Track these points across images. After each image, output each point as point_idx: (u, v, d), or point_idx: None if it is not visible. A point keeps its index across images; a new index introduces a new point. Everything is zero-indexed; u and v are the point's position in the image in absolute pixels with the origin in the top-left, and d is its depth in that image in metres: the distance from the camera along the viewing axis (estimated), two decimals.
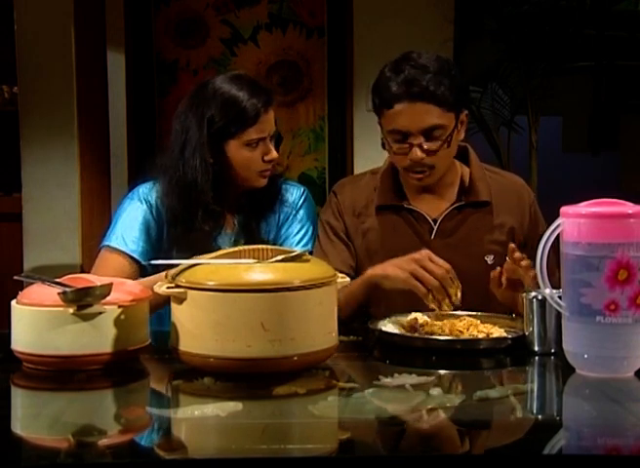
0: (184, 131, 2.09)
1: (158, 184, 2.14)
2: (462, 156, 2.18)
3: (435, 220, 2.11)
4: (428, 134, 2.00)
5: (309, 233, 2.20)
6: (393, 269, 1.93)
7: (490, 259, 2.09)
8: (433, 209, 2.12)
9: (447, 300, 1.86)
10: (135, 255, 2.08)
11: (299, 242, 2.18)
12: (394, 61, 2.03)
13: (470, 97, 4.23)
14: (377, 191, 2.16)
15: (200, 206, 2.07)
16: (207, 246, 2.05)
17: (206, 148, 2.06)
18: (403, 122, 1.99)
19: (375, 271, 1.98)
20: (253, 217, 2.16)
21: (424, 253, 1.90)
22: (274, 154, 2.10)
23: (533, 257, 2.05)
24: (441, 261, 1.88)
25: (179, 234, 2.09)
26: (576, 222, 1.51)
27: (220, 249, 2.07)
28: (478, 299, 1.99)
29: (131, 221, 2.11)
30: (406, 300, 1.95)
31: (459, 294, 1.87)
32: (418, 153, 2.00)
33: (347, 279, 1.66)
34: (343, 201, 2.18)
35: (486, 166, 2.22)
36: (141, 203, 2.13)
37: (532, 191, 2.25)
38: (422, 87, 1.97)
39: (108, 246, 2.10)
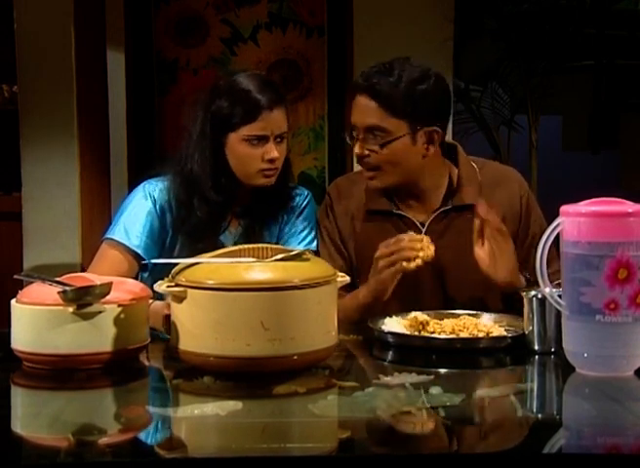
0: (193, 122, 2.11)
1: (164, 180, 2.15)
2: (452, 155, 2.16)
3: (423, 224, 2.10)
4: (369, 132, 2.01)
5: (312, 234, 2.20)
6: (372, 280, 1.96)
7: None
8: (421, 213, 2.12)
9: (420, 254, 1.88)
10: (136, 250, 2.08)
11: (301, 241, 2.18)
12: (381, 62, 2.05)
13: (470, 97, 4.24)
14: (366, 194, 2.15)
15: (196, 193, 2.08)
16: (208, 239, 2.07)
17: (207, 139, 2.07)
18: (352, 114, 2.05)
19: (365, 295, 1.99)
20: (257, 222, 2.16)
21: (380, 246, 1.93)
22: (274, 154, 2.06)
23: (524, 250, 2.08)
24: (393, 240, 1.91)
25: (179, 223, 2.11)
26: (576, 221, 1.51)
27: (223, 246, 2.08)
28: (471, 299, 2.00)
29: (135, 216, 2.11)
30: (401, 301, 1.96)
31: (430, 247, 1.88)
32: (356, 148, 2.04)
33: (347, 278, 1.66)
34: (337, 204, 2.19)
35: (476, 159, 2.19)
36: (147, 198, 2.13)
37: (525, 182, 2.21)
38: (371, 83, 1.99)
39: (111, 238, 2.10)
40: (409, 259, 1.88)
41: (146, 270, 2.12)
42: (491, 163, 2.25)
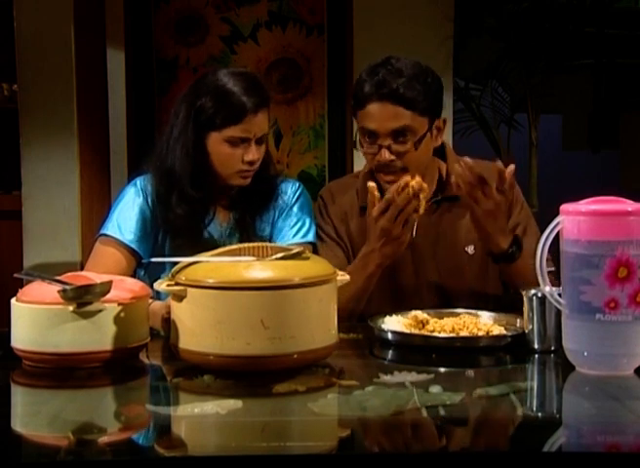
0: (175, 117, 2.10)
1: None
2: (440, 152, 2.21)
3: None
4: (397, 135, 2.02)
5: (306, 225, 2.20)
6: (388, 247, 1.95)
7: (470, 249, 2.13)
8: None
9: (421, 196, 1.89)
10: (131, 245, 2.08)
11: (295, 234, 2.18)
12: (372, 65, 2.06)
13: (470, 96, 4.24)
14: (358, 193, 2.19)
15: (175, 189, 2.08)
16: (189, 234, 2.07)
17: (189, 136, 2.06)
18: (372, 122, 2.02)
19: (378, 263, 1.98)
20: (248, 213, 2.16)
21: (372, 216, 1.93)
22: (254, 156, 2.07)
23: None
24: (389, 196, 1.90)
25: (162, 216, 2.10)
26: (576, 220, 1.51)
27: (211, 239, 2.09)
28: (462, 290, 2.03)
29: (128, 211, 2.11)
30: (397, 293, 1.97)
31: (418, 180, 1.89)
32: (385, 155, 2.03)
33: (347, 277, 1.66)
34: (330, 205, 2.22)
35: (462, 159, 2.21)
36: (138, 193, 2.14)
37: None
38: (392, 88, 1.99)
39: (105, 234, 2.10)
40: (417, 209, 1.91)
41: (142, 268, 2.13)
42: (477, 160, 2.28)
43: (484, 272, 2.13)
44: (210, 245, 1.98)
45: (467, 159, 2.23)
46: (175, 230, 2.09)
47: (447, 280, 2.11)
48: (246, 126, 2.05)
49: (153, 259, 1.88)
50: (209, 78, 2.09)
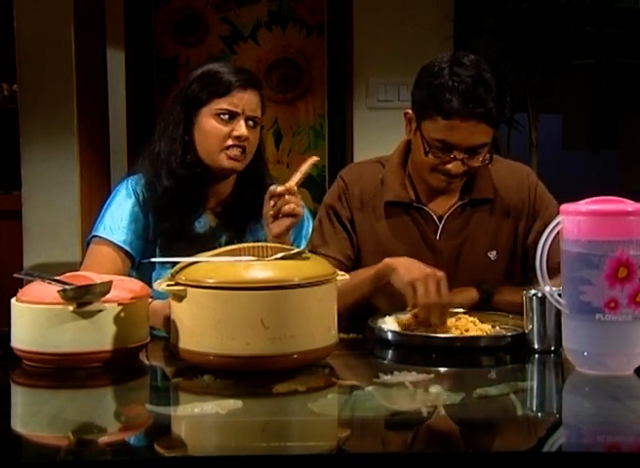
0: (167, 107, 2.13)
1: (146, 175, 2.15)
2: None
3: (440, 218, 2.09)
4: (475, 150, 1.97)
5: (301, 243, 2.20)
6: (403, 269, 1.88)
7: (493, 255, 2.10)
8: (440, 206, 2.11)
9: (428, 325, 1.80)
10: (123, 246, 2.07)
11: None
12: (451, 66, 1.98)
13: None
14: (384, 185, 2.13)
15: (163, 166, 2.08)
16: (179, 229, 2.06)
17: (178, 119, 2.07)
18: (456, 137, 1.94)
19: (390, 261, 1.93)
20: (241, 221, 2.15)
21: (439, 274, 1.82)
22: (243, 130, 2.04)
23: (533, 235, 2.09)
24: (444, 291, 1.80)
25: (150, 204, 2.09)
26: (576, 220, 1.51)
27: (199, 236, 2.08)
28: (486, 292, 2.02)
29: (119, 212, 2.10)
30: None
31: (439, 328, 1.80)
32: (460, 167, 1.98)
33: (347, 276, 1.66)
34: (352, 188, 2.15)
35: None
36: (129, 194, 2.13)
37: (534, 174, 2.22)
38: (488, 108, 1.92)
39: (97, 236, 2.09)
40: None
41: (133, 268, 2.12)
42: (502, 159, 2.25)
43: (504, 279, 2.09)
44: (201, 248, 1.97)
45: (499, 158, 2.21)
46: (165, 214, 2.07)
47: (467, 284, 2.08)
48: (233, 99, 2.04)
49: (153, 259, 1.88)
50: (196, 69, 2.12)
